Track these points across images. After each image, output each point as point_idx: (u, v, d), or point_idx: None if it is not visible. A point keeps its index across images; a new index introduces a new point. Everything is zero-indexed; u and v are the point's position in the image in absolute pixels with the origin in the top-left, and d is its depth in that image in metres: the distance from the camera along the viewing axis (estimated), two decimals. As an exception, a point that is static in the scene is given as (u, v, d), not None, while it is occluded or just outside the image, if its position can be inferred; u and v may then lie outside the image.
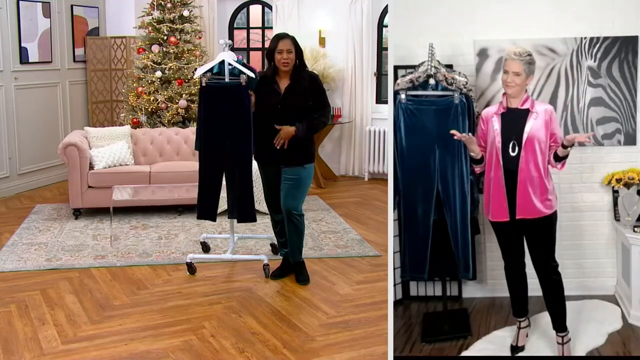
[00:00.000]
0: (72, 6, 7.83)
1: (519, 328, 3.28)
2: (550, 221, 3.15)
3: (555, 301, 3.17)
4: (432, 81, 3.32)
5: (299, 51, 4.34)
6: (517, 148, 3.08)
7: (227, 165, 4.62)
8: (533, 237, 3.18)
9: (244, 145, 4.54)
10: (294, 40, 4.34)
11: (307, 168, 4.46)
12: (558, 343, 3.16)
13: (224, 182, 4.72)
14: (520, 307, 3.29)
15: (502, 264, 3.31)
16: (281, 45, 4.28)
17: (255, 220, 4.72)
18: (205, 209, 4.75)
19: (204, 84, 4.60)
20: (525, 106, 3.12)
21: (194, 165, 6.10)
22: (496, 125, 3.14)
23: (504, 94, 3.17)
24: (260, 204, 6.30)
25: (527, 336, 3.28)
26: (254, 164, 6.26)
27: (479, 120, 3.28)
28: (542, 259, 3.15)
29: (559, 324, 3.17)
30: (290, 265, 4.72)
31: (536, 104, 3.15)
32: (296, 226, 4.52)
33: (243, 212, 4.66)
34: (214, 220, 4.84)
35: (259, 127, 4.43)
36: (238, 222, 4.75)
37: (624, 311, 3.50)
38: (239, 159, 4.57)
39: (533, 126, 3.08)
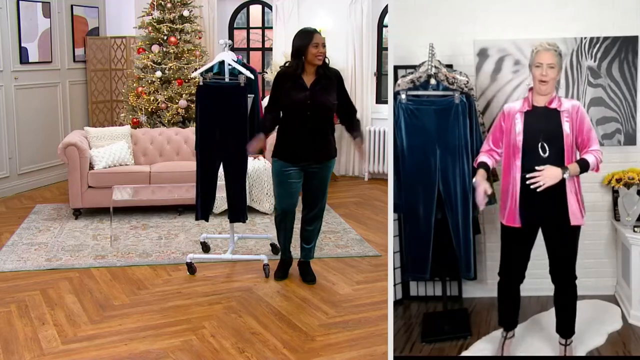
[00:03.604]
0: (72, 6, 7.83)
1: (505, 338, 3.21)
2: (577, 231, 3.05)
3: (569, 309, 3.13)
4: (433, 81, 3.32)
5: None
6: (547, 150, 2.93)
7: (223, 165, 4.69)
8: (559, 244, 3.05)
9: (237, 145, 4.56)
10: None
11: (333, 162, 4.48)
12: (560, 344, 3.16)
13: (219, 183, 4.74)
14: (513, 319, 3.22)
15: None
16: (317, 39, 4.18)
17: (244, 221, 4.77)
18: (202, 210, 4.80)
19: (201, 83, 4.62)
20: (553, 105, 2.95)
21: (194, 165, 6.07)
22: (519, 124, 2.96)
23: (530, 88, 3.00)
24: (260, 203, 6.31)
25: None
26: (263, 163, 6.28)
27: (498, 116, 3.10)
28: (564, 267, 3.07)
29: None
30: (288, 263, 4.72)
31: (563, 101, 2.98)
32: (321, 224, 4.60)
33: (235, 211, 4.72)
34: (207, 220, 4.91)
35: (287, 124, 4.34)
36: (231, 221, 4.81)
37: (624, 311, 3.50)
38: (232, 159, 4.60)
39: (567, 128, 2.93)
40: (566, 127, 2.93)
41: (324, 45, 4.23)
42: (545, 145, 2.93)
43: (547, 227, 3.05)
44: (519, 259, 3.13)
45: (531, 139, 2.95)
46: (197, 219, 4.88)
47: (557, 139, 2.94)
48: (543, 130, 2.94)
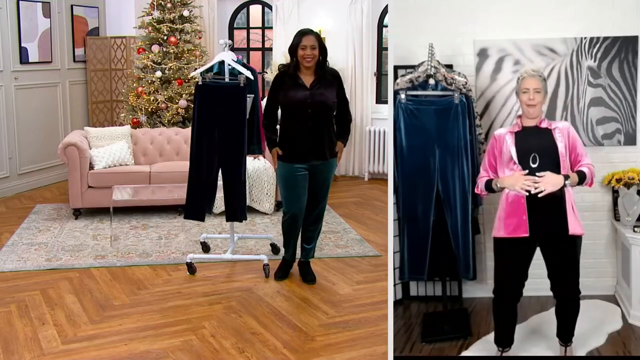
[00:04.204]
0: (72, 6, 7.83)
1: (502, 352, 3.16)
2: (578, 243, 3.04)
3: (570, 322, 3.12)
4: (431, 81, 3.32)
5: (322, 48, 4.29)
6: (537, 161, 2.96)
7: (220, 165, 4.65)
8: (560, 257, 3.03)
9: (236, 145, 4.56)
10: (318, 36, 4.29)
11: (335, 161, 4.47)
12: (560, 344, 3.15)
13: (219, 183, 4.72)
14: (509, 337, 3.16)
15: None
16: (305, 41, 4.21)
17: (241, 220, 4.72)
18: (193, 209, 4.74)
19: (200, 82, 4.62)
20: (544, 125, 3.02)
21: (194, 165, 6.10)
22: (509, 141, 3.01)
23: (519, 116, 3.07)
24: (260, 203, 6.31)
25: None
26: (263, 163, 6.28)
27: (490, 143, 3.16)
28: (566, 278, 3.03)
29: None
30: (290, 264, 4.72)
31: (553, 123, 3.06)
32: (322, 224, 4.65)
33: (232, 211, 4.68)
34: (203, 220, 4.83)
35: (287, 123, 4.35)
36: (227, 220, 4.77)
37: (624, 311, 3.50)
38: (230, 159, 4.60)
39: (560, 141, 2.98)
40: (559, 140, 2.99)
41: (313, 48, 4.22)
42: (537, 156, 2.97)
43: (547, 240, 3.02)
44: (517, 274, 3.07)
45: (525, 155, 2.99)
46: (186, 218, 4.82)
47: (552, 153, 2.98)
48: (536, 145, 2.99)
